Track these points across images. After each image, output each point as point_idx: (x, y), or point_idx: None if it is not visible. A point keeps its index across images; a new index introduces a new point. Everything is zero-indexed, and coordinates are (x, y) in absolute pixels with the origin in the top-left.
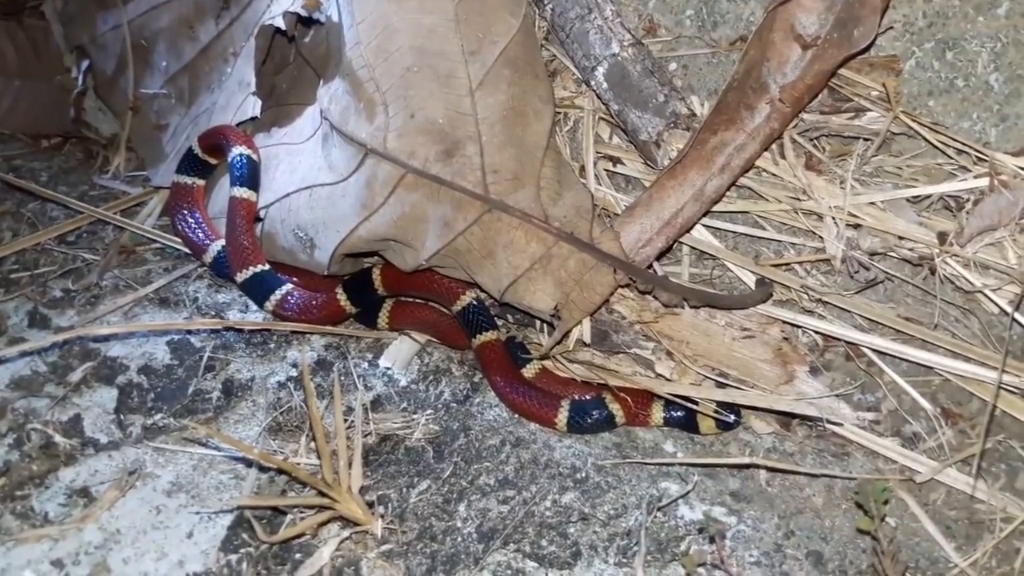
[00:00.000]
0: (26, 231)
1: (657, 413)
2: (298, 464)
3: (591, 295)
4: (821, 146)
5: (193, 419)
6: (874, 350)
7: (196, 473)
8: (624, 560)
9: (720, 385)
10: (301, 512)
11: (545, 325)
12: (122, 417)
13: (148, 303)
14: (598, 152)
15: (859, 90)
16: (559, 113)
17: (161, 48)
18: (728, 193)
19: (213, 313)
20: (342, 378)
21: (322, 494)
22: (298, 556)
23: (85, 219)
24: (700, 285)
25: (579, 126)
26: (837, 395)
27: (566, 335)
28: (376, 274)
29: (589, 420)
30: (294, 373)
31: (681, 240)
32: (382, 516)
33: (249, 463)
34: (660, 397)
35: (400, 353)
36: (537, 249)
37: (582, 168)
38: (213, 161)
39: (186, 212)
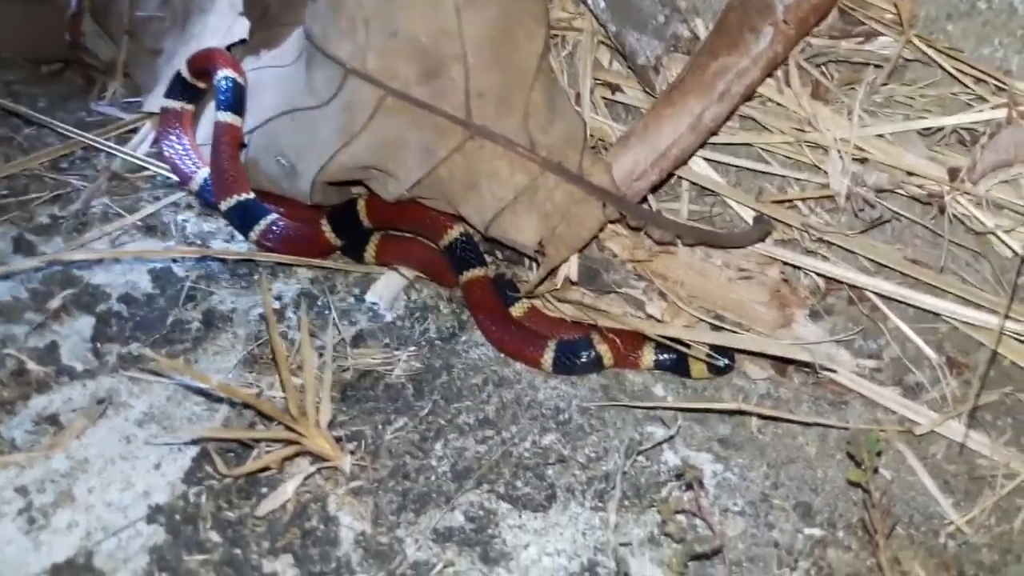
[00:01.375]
0: (19, 157)
1: (648, 355)
2: (273, 398)
3: (578, 230)
4: (829, 73)
5: (170, 349)
6: (878, 294)
7: (170, 404)
8: (600, 504)
9: (715, 328)
10: (267, 446)
11: (533, 262)
12: (99, 345)
13: (135, 231)
14: (596, 79)
15: (872, 12)
16: (556, 36)
17: None
18: (730, 123)
19: (199, 243)
20: (326, 312)
21: (289, 428)
22: (264, 491)
23: (77, 145)
24: (699, 222)
25: (577, 50)
26: (837, 341)
27: (553, 272)
28: (361, 205)
29: (576, 361)
30: (277, 305)
31: (680, 175)
32: (352, 452)
33: (221, 396)
34: (651, 339)
35: (387, 288)
36: (522, 180)
37: (578, 95)
38: (202, 85)
39: (173, 138)
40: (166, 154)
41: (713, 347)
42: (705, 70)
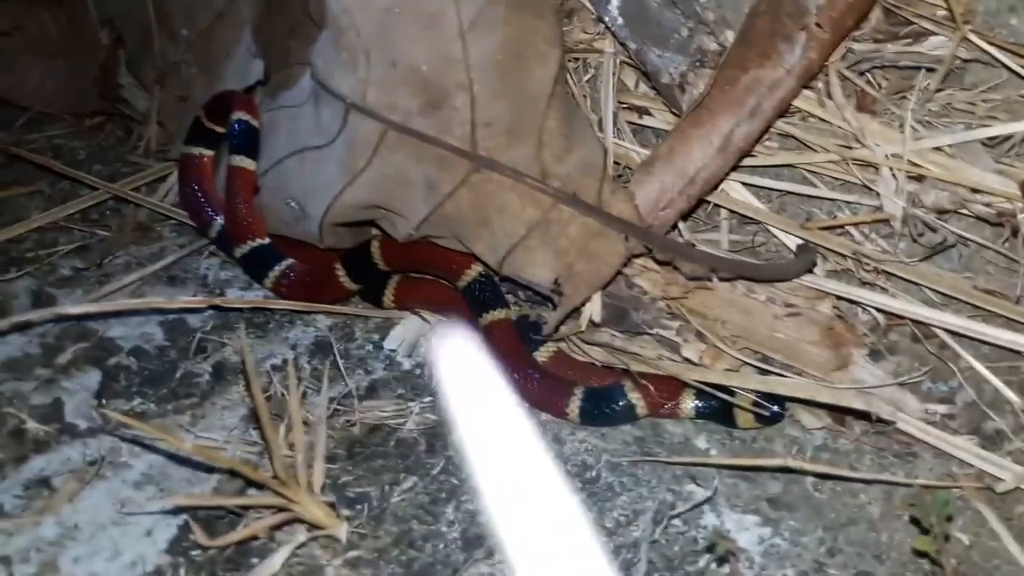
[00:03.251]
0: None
1: (688, 403)
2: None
3: (599, 266)
4: (875, 81)
5: (177, 404)
6: (947, 330)
7: (169, 464)
8: None
9: (761, 372)
10: (258, 513)
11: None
12: (104, 401)
13: (156, 281)
14: (621, 102)
15: (920, 9)
16: (577, 59)
17: (180, 15)
18: (768, 143)
19: (217, 291)
20: (341, 360)
21: (278, 494)
22: (254, 561)
23: (106, 195)
24: (741, 253)
25: (600, 73)
26: (902, 384)
27: (575, 313)
28: (375, 247)
29: (605, 410)
30: (292, 354)
31: (717, 202)
32: (350, 519)
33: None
34: (691, 385)
35: (407, 334)
36: (533, 213)
37: (600, 121)
38: (220, 130)
39: (193, 185)
40: (186, 201)
41: (760, 394)
42: (734, 85)
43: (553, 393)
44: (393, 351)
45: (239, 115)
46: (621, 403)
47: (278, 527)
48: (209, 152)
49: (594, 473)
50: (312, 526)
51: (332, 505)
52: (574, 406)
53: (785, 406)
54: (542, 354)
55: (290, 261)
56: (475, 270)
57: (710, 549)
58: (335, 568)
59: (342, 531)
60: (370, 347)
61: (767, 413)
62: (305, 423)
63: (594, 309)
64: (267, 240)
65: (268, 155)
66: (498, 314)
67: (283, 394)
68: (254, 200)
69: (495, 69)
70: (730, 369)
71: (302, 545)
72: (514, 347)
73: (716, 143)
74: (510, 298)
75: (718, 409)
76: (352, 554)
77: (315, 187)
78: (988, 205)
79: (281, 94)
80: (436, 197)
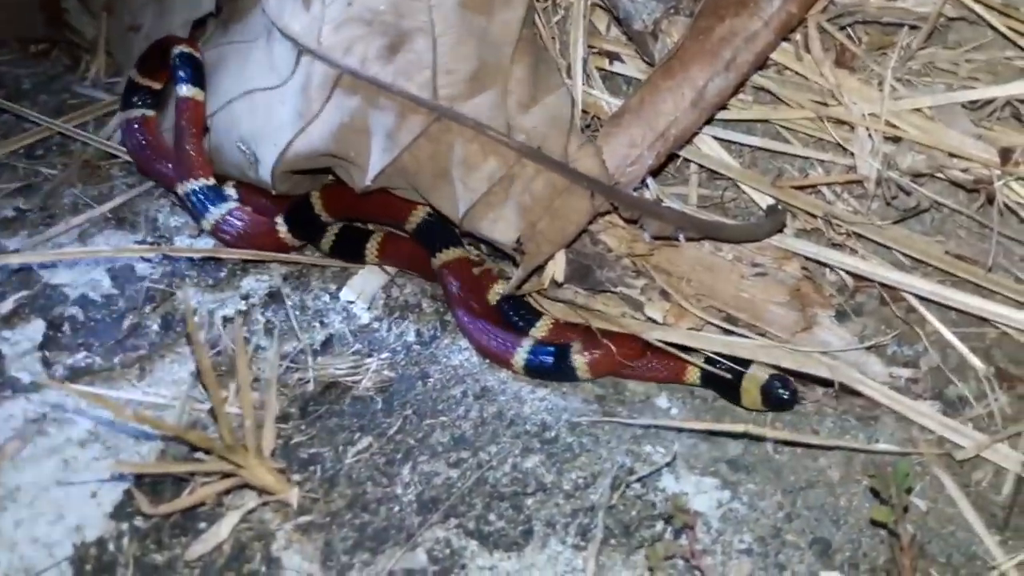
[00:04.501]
0: None
1: (693, 372)
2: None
3: (563, 224)
4: (856, 36)
5: (124, 358)
6: (915, 294)
7: (118, 421)
8: (584, 542)
9: (726, 332)
10: (206, 478)
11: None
12: (47, 354)
13: (104, 224)
14: (591, 47)
15: None
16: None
17: None
18: (743, 96)
19: (167, 238)
20: (298, 313)
21: (225, 459)
22: (203, 526)
23: (44, 131)
24: (709, 209)
25: (571, 15)
26: (867, 347)
27: (537, 272)
28: (316, 198)
29: (548, 366)
30: (244, 307)
31: (687, 156)
32: (300, 482)
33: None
34: (702, 356)
35: (365, 285)
36: (496, 167)
37: (569, 67)
38: (156, 86)
39: (144, 150)
40: (140, 166)
41: (776, 375)
42: (708, 35)
43: (501, 342)
44: (351, 303)
45: (180, 48)
46: (564, 362)
47: (226, 493)
48: (150, 112)
49: (553, 433)
50: (262, 491)
51: (282, 470)
52: (519, 357)
53: (796, 390)
54: (540, 330)
55: (232, 205)
56: (422, 211)
57: (668, 520)
58: (286, 533)
59: (293, 496)
60: (327, 298)
61: (782, 394)
62: (257, 380)
63: (558, 267)
64: (211, 180)
65: (218, 94)
66: (451, 253)
67: (233, 350)
68: (202, 135)
69: (458, 11)
70: (693, 328)
71: (252, 511)
72: (471, 288)
73: (689, 96)
74: (472, 249)
75: (724, 383)
76: (304, 519)
77: (267, 131)
78: (965, 170)
79: (233, 28)
80: (394, 148)
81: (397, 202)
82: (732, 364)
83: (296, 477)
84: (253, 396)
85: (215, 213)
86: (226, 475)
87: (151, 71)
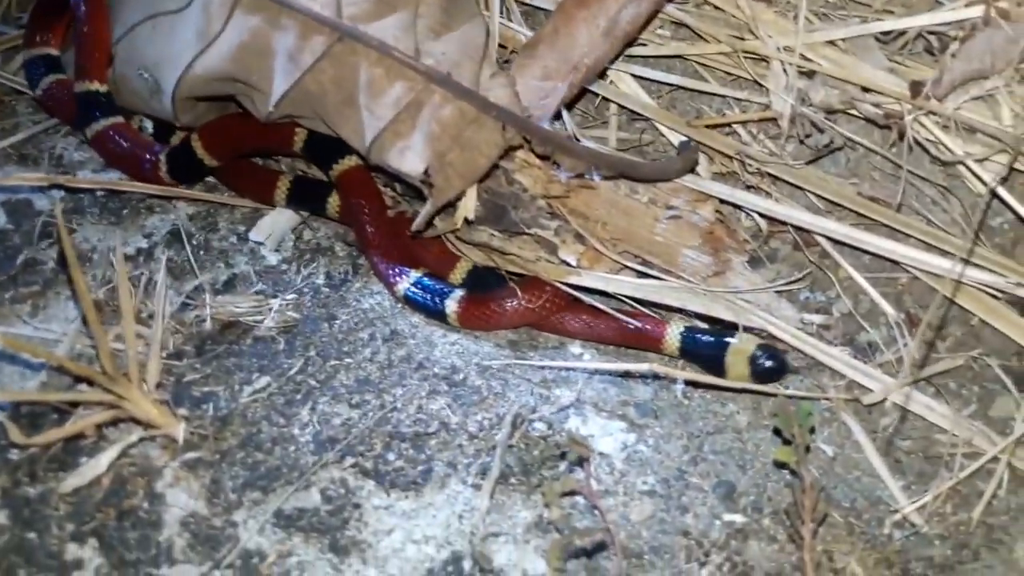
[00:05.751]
0: None
1: (672, 337)
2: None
3: (474, 156)
4: None
5: (16, 293)
6: (828, 237)
7: (4, 354)
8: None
9: (641, 276)
10: (88, 410)
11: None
12: None
13: (6, 159)
14: None
15: None
16: None
17: None
18: (661, 31)
19: (72, 173)
20: (201, 253)
21: (107, 390)
22: (83, 460)
23: None
24: (627, 152)
25: None
26: (779, 291)
27: (447, 208)
28: (196, 140)
29: (424, 302)
30: (146, 245)
31: (605, 95)
32: (188, 419)
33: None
34: (686, 314)
35: (275, 227)
36: (402, 92)
37: None
38: (55, 52)
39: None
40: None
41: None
42: None
43: (390, 271)
44: (260, 244)
45: None
46: (439, 301)
47: (107, 424)
48: (61, 75)
49: (462, 376)
50: (147, 425)
51: (167, 403)
52: (401, 287)
53: (783, 360)
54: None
55: (118, 119)
56: (304, 130)
57: (563, 456)
58: (173, 470)
59: (179, 431)
60: (234, 239)
61: (767, 364)
62: (151, 317)
63: (469, 206)
64: (104, 87)
65: (122, 21)
66: (348, 162)
67: (135, 284)
68: (105, 33)
69: None
70: (608, 273)
71: (134, 444)
72: (370, 200)
73: (602, 25)
74: (387, 191)
75: (706, 356)
76: (191, 455)
77: (168, 56)
78: (877, 106)
79: None
80: (295, 70)
81: (276, 127)
82: (715, 335)
83: (185, 413)
84: (145, 332)
85: (100, 123)
86: (107, 407)
87: (42, 34)
